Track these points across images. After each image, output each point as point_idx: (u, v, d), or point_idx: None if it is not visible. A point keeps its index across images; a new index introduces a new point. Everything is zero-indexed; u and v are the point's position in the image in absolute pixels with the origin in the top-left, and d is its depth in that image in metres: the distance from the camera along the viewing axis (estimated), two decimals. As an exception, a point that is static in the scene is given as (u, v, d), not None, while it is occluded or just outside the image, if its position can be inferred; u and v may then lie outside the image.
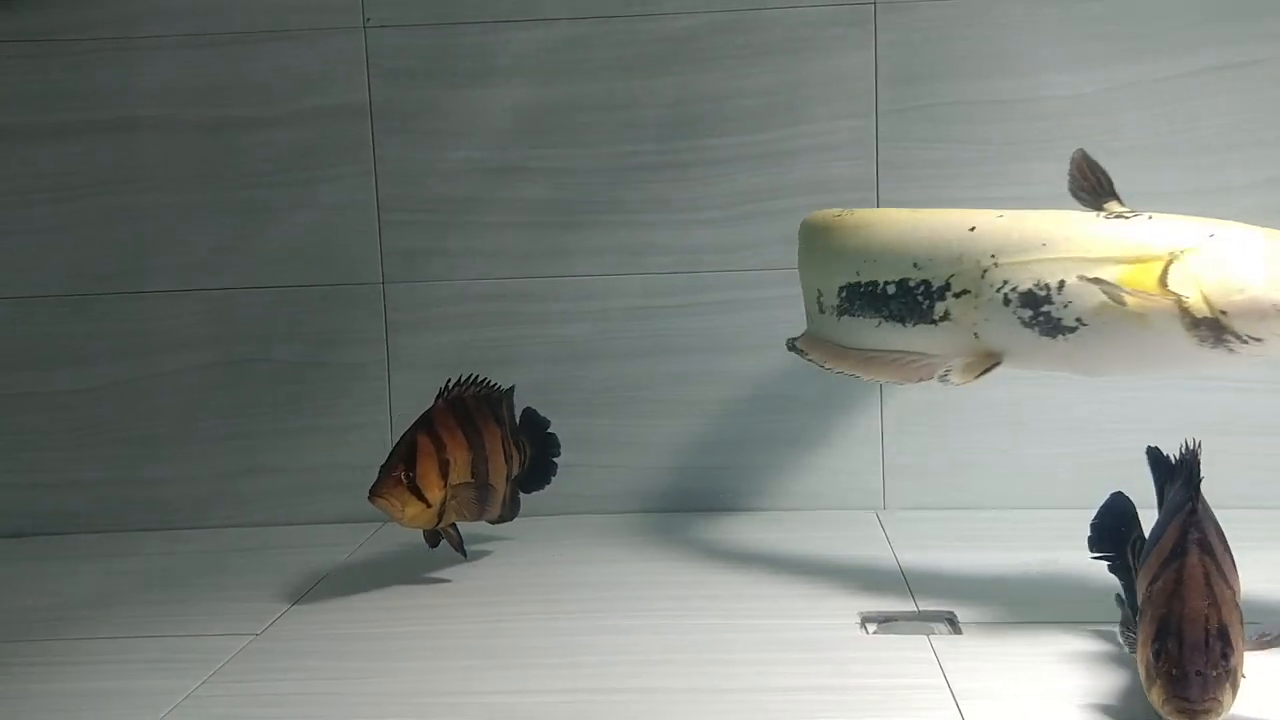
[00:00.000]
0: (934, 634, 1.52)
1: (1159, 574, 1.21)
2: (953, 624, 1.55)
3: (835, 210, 1.68)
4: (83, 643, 1.65)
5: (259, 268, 2.14)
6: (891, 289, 1.55)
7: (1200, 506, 1.27)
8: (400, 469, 1.73)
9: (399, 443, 1.78)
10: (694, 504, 2.11)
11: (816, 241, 1.70)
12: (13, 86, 2.13)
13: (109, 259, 2.15)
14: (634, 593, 1.75)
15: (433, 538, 1.83)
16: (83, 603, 1.81)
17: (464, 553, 1.84)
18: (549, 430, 1.97)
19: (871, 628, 1.56)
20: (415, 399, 2.04)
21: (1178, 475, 1.34)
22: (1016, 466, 2.04)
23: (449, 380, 1.85)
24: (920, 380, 1.57)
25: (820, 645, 1.50)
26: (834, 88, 2.05)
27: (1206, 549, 1.21)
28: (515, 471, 1.90)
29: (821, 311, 1.67)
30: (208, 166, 2.14)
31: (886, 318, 1.56)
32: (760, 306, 2.08)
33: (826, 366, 1.67)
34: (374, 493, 1.72)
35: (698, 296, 2.10)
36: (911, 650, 1.48)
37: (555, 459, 1.97)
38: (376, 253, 2.13)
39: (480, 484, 1.82)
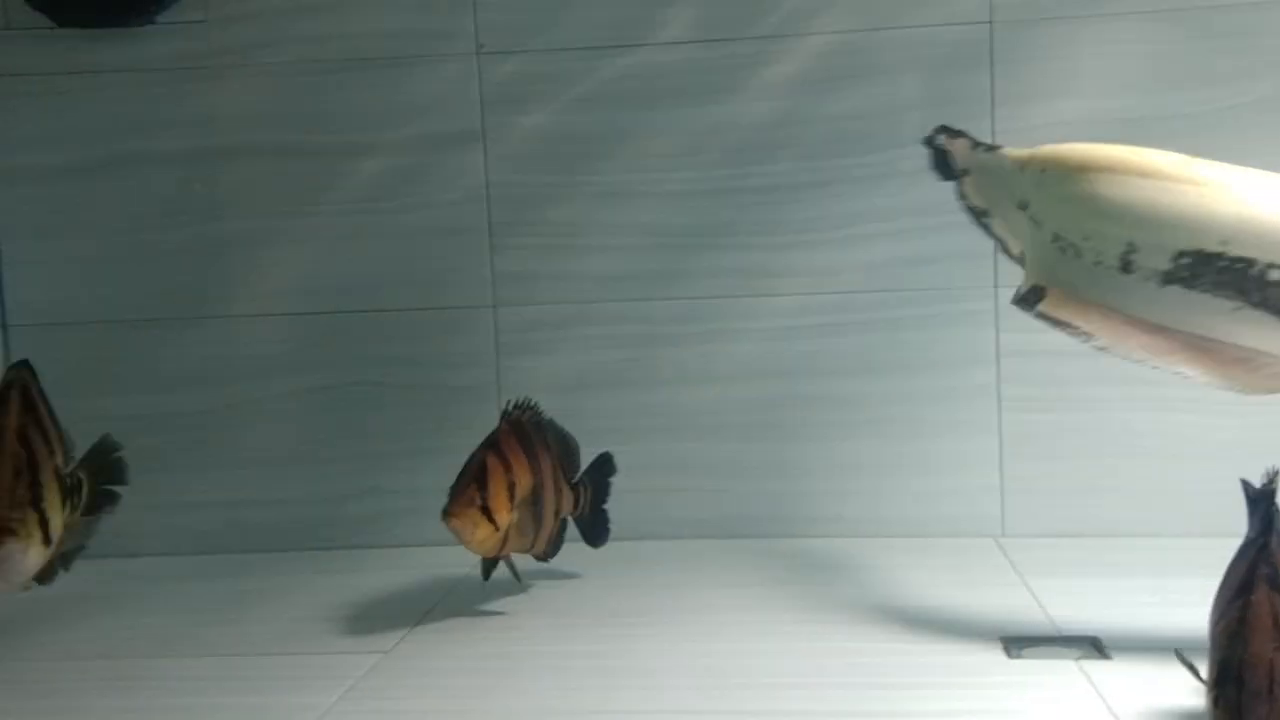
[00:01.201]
0: (1082, 659, 1.48)
1: (1225, 611, 1.14)
2: (1099, 649, 1.51)
3: (1184, 158, 1.38)
4: (216, 660, 1.64)
5: (371, 291, 2.15)
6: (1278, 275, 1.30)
7: (1275, 540, 1.19)
8: (473, 489, 1.68)
9: (469, 463, 1.74)
10: (798, 529, 2.09)
11: (1151, 187, 1.36)
12: (123, 114, 2.16)
13: (221, 282, 2.16)
14: (757, 616, 1.73)
15: (488, 567, 1.79)
16: (209, 621, 1.81)
17: (519, 578, 1.81)
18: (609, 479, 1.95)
19: (1015, 652, 1.52)
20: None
21: (1256, 508, 1.27)
22: (1146, 491, 2.00)
23: (509, 401, 1.83)
24: (1268, 390, 1.35)
25: (968, 670, 1.47)
26: (950, 108, 2.02)
27: (1277, 586, 1.12)
28: (564, 509, 1.87)
29: (1126, 270, 1.35)
30: (319, 191, 2.15)
31: (1257, 305, 1.31)
32: (874, 329, 2.06)
33: (1084, 331, 1.40)
34: (449, 513, 1.67)
35: (809, 319, 2.08)
36: (1062, 675, 1.44)
37: (605, 506, 1.95)
38: (488, 276, 2.12)
39: (536, 513, 1.79)
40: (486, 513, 1.66)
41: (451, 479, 2.06)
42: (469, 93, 2.11)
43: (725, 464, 2.10)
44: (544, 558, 1.83)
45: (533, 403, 1.85)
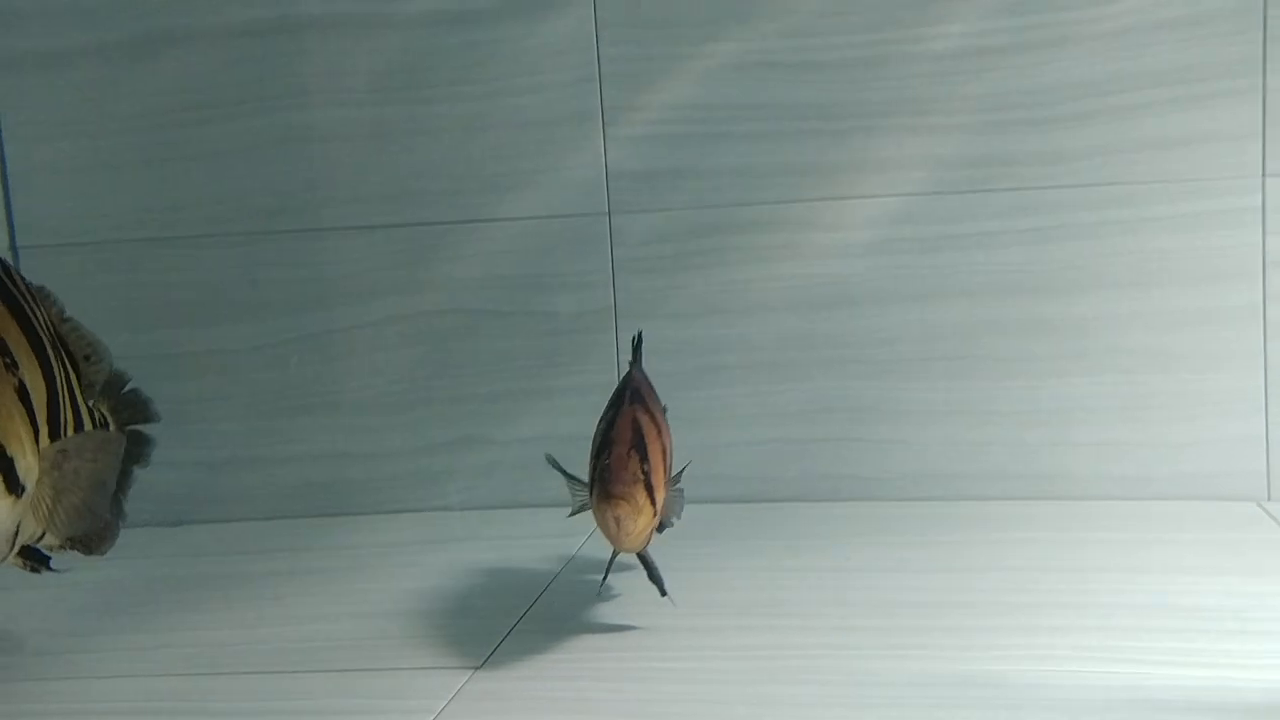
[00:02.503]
0: None
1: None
2: None
3: None
4: (281, 680, 1.28)
5: (457, 198, 1.76)
6: None
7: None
8: (636, 460, 1.24)
9: (616, 422, 1.29)
10: (995, 490, 1.66)
11: None
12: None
13: (278, 190, 1.79)
14: (1010, 598, 1.33)
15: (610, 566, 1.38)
16: (260, 624, 1.45)
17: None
18: None
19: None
20: (650, 356, 1.65)
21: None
22: None
23: (638, 334, 1.42)
24: None
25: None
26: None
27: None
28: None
29: None
30: (395, 75, 1.75)
31: None
32: (1097, 233, 1.61)
33: None
34: (612, 495, 1.21)
35: (1005, 222, 1.65)
36: None
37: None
38: (601, 175, 1.71)
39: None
40: (649, 491, 1.24)
41: (564, 427, 1.75)
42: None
43: (905, 410, 1.69)
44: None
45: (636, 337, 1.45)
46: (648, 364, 1.61)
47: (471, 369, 1.77)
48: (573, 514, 1.34)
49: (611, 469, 1.23)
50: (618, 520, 1.22)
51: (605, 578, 1.41)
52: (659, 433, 1.29)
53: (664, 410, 1.40)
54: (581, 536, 1.64)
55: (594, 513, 1.24)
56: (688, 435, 1.70)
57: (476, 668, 1.28)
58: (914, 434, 1.69)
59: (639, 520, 1.23)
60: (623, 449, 1.25)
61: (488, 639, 1.35)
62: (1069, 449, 1.64)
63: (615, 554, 1.36)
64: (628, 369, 1.41)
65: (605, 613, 1.41)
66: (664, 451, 1.30)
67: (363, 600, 1.49)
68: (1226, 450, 1.58)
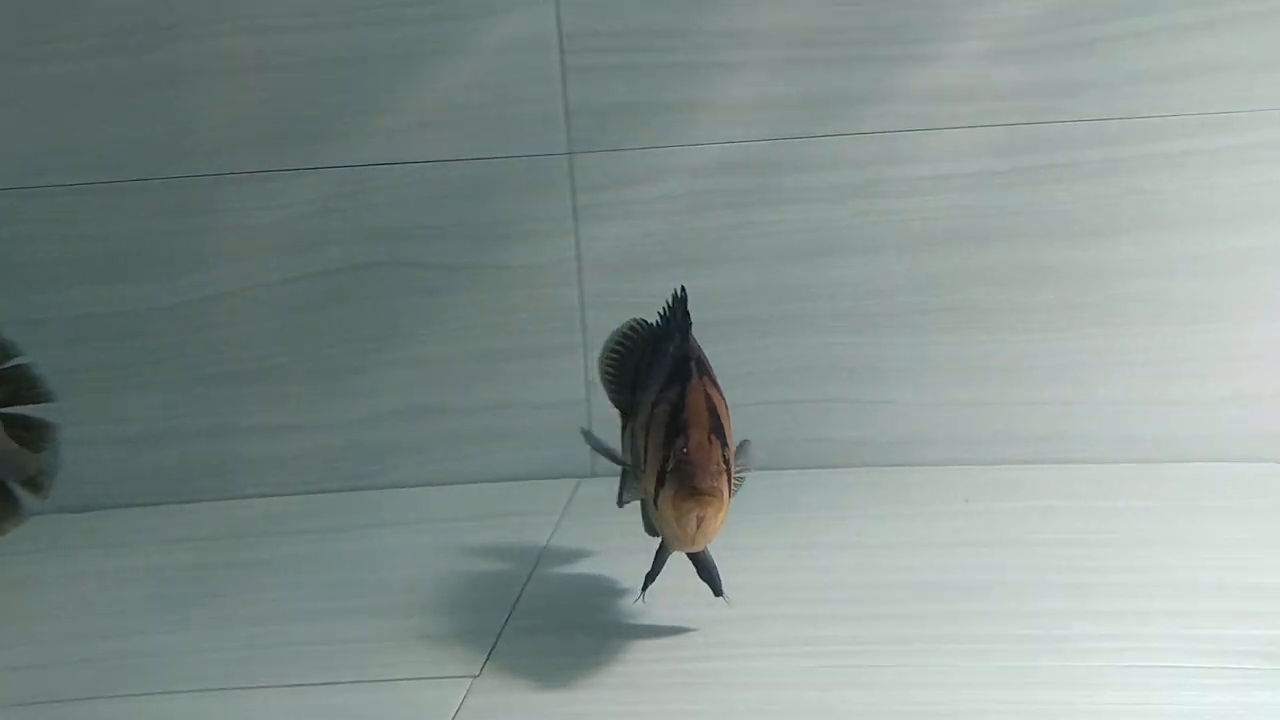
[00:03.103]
0: None
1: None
2: None
3: None
4: (236, 700, 1.10)
5: (395, 136, 1.57)
6: None
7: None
8: (719, 448, 1.06)
9: (688, 399, 1.09)
10: (994, 454, 1.55)
11: None
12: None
13: (190, 130, 1.57)
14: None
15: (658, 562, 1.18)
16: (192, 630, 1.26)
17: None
18: None
19: None
20: (615, 311, 1.48)
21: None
22: None
23: (679, 290, 1.21)
24: None
25: None
26: None
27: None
28: None
29: None
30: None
31: None
32: (1101, 172, 1.50)
33: None
34: (699, 488, 1.03)
35: (1006, 160, 1.51)
36: None
37: None
38: (560, 110, 1.54)
39: None
40: (728, 482, 1.07)
41: (524, 393, 1.57)
42: None
43: (895, 368, 1.56)
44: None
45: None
46: (604, 321, 1.45)
47: (416, 330, 1.59)
48: (623, 504, 1.18)
49: (694, 460, 1.04)
50: (701, 521, 1.05)
51: (648, 585, 1.18)
52: (728, 412, 1.12)
53: None
54: (553, 515, 1.48)
55: (662, 508, 1.06)
56: (658, 398, 1.57)
57: (475, 676, 1.12)
58: (905, 394, 1.56)
59: (720, 518, 1.06)
60: (702, 434, 1.06)
61: (477, 641, 1.19)
62: (1075, 408, 1.53)
63: (667, 554, 1.17)
64: (658, 328, 1.21)
65: (605, 604, 1.26)
66: (732, 434, 1.12)
67: (317, 597, 1.31)
68: (1249, 408, 1.49)
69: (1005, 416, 1.55)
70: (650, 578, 1.17)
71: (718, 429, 1.07)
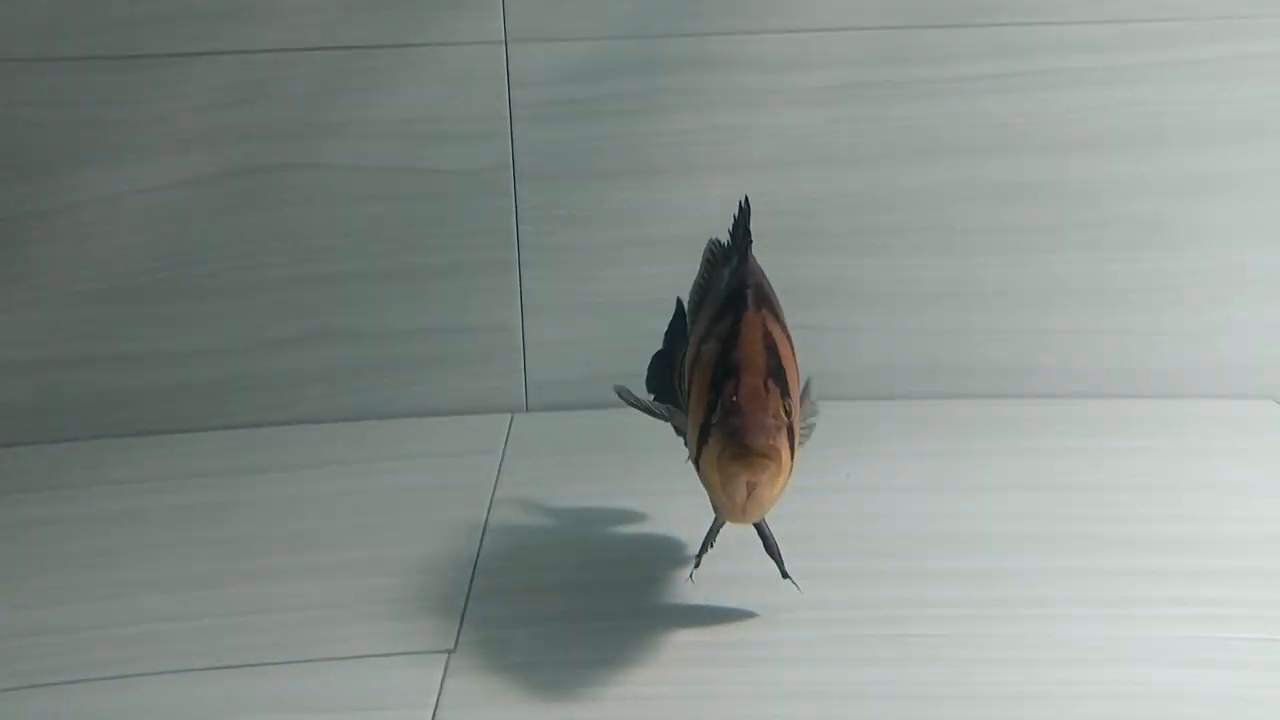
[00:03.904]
0: None
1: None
2: None
3: None
4: (177, 687, 0.92)
5: (302, 17, 1.36)
6: None
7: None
8: (778, 397, 0.87)
9: (742, 334, 0.90)
10: (970, 387, 1.43)
11: None
12: None
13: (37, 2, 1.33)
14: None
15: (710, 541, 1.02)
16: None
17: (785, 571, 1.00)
18: None
19: None
20: (554, 225, 1.40)
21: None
22: None
23: (743, 201, 1.02)
24: None
25: None
26: None
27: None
28: None
29: None
30: None
31: None
32: (1093, 80, 1.38)
33: None
34: (752, 447, 0.84)
35: (992, 65, 1.38)
36: None
37: None
38: (492, -7, 1.36)
39: None
40: (791, 438, 0.87)
41: (449, 319, 1.39)
42: None
43: (865, 291, 1.43)
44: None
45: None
46: (543, 237, 1.30)
47: (327, 241, 1.40)
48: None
49: (745, 410, 0.85)
50: (754, 487, 0.86)
51: (699, 561, 1.01)
52: (793, 352, 0.94)
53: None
54: (492, 456, 1.31)
55: (706, 471, 0.88)
56: (601, 323, 1.42)
57: (450, 651, 0.96)
58: (873, 320, 1.43)
59: (779, 483, 0.87)
60: (757, 378, 0.87)
61: (442, 609, 1.02)
62: (1056, 338, 1.42)
63: (719, 525, 1.00)
64: (716, 248, 1.03)
65: (577, 558, 1.11)
66: (797, 376, 0.94)
67: (230, 556, 1.12)
68: (1245, 341, 1.40)
69: (981, 346, 1.43)
70: (701, 553, 1.01)
71: (777, 373, 0.88)
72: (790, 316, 1.34)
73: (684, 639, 0.97)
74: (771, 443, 0.84)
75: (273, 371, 1.41)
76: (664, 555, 1.09)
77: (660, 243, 1.41)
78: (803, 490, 1.18)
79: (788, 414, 0.87)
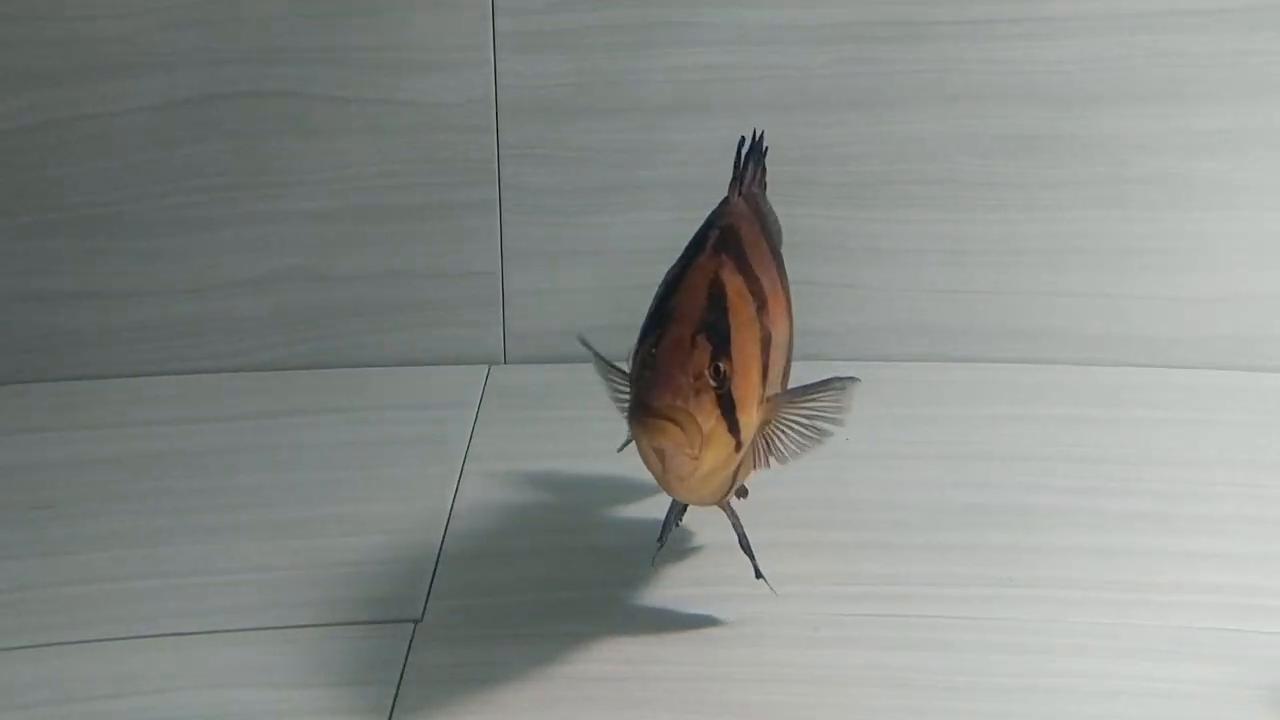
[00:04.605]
0: None
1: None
2: None
3: None
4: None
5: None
6: None
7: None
8: (706, 353, 0.77)
9: (682, 281, 0.82)
10: (971, 350, 1.34)
11: None
12: None
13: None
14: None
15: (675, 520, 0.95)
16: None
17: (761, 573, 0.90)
18: None
19: None
20: (538, 165, 1.30)
21: None
22: None
23: (756, 134, 0.95)
24: None
25: None
26: None
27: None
28: None
29: None
30: None
31: None
32: (1111, 29, 1.29)
33: None
34: (651, 406, 0.75)
35: (1005, 7, 1.30)
36: None
37: None
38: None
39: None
40: (727, 407, 0.77)
41: (420, 262, 1.31)
42: None
43: (863, 246, 1.34)
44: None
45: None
46: (526, 177, 1.21)
47: (292, 174, 1.31)
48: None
49: (659, 365, 0.76)
50: (661, 453, 0.77)
51: (662, 541, 0.94)
52: (759, 307, 0.83)
53: (782, 264, 0.92)
54: (466, 410, 1.23)
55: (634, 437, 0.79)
56: (586, 272, 1.33)
57: (417, 620, 0.89)
58: (872, 278, 1.35)
59: (707, 454, 0.76)
60: (685, 330, 0.77)
61: (410, 574, 0.95)
62: (1068, 301, 1.34)
63: (679, 503, 0.92)
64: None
65: (554, 523, 1.03)
66: (766, 341, 0.82)
67: (173, 511, 1.04)
68: (1272, 310, 1.33)
69: (986, 307, 1.36)
70: (663, 534, 0.93)
71: (714, 329, 0.78)
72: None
73: (671, 615, 0.90)
74: (678, 403, 0.74)
75: (233, 314, 1.32)
76: (648, 520, 1.01)
77: (652, 187, 1.32)
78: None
79: (723, 378, 0.76)
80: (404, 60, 1.30)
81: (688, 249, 0.86)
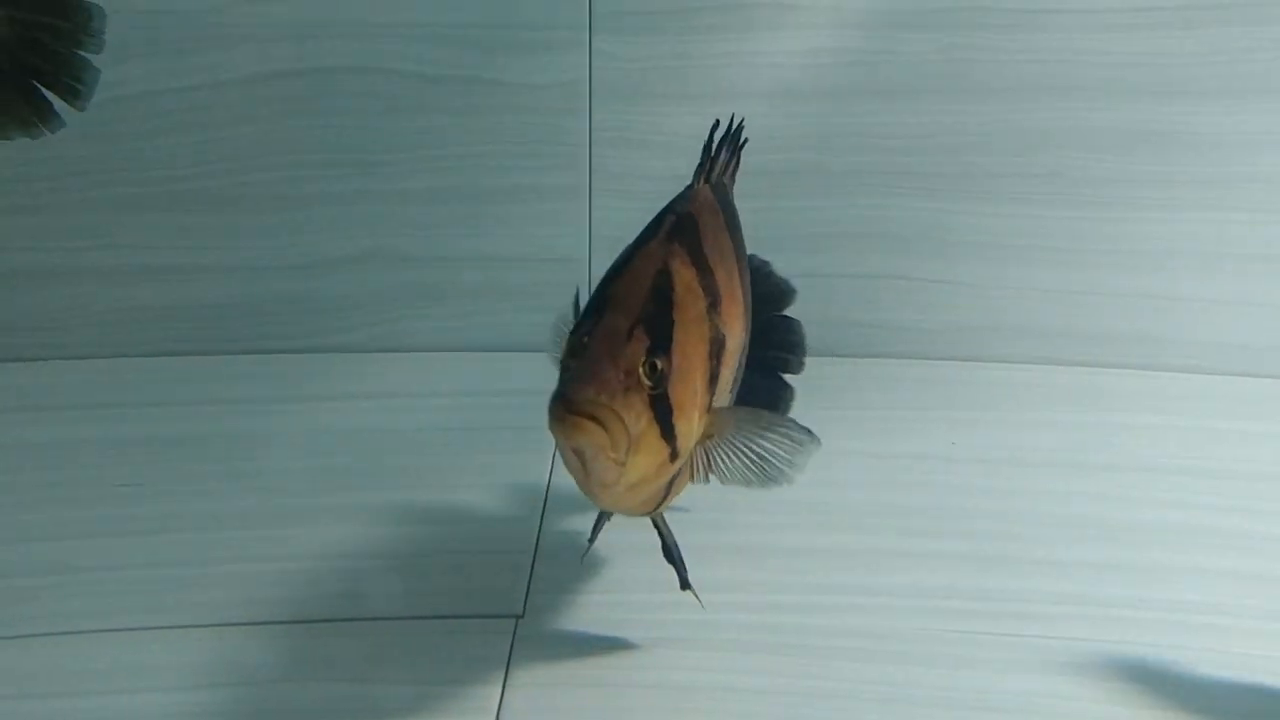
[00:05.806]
0: None
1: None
2: None
3: None
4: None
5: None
6: None
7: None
8: (641, 347, 0.71)
9: (623, 270, 0.76)
10: (1064, 353, 1.32)
11: None
12: None
13: None
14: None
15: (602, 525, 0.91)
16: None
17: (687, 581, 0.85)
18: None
19: None
20: (629, 150, 1.28)
21: None
22: None
23: (735, 123, 0.91)
24: None
25: None
26: None
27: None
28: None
29: None
30: None
31: None
32: (1223, 21, 1.26)
33: None
34: (572, 402, 0.68)
35: None
36: None
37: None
38: None
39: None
40: (664, 412, 0.70)
41: (509, 247, 1.29)
42: None
43: (963, 241, 1.31)
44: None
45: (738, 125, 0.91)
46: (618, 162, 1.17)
47: (383, 155, 1.29)
48: None
49: (588, 355, 0.69)
50: (580, 455, 0.70)
51: (593, 539, 0.89)
52: (711, 305, 0.75)
53: (744, 265, 0.85)
54: (556, 398, 1.21)
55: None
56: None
57: (519, 616, 0.86)
58: (972, 274, 1.32)
59: (634, 460, 0.69)
60: (620, 320, 0.71)
61: (503, 571, 0.92)
62: (1167, 305, 1.31)
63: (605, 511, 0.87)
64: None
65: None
66: (717, 343, 0.75)
67: (256, 491, 1.03)
68: None
69: (1088, 309, 1.32)
70: (594, 531, 0.90)
71: (654, 322, 0.71)
72: (870, 264, 1.22)
73: (768, 619, 0.87)
74: (602, 399, 0.67)
75: (315, 294, 1.31)
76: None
77: (744, 173, 1.29)
78: (855, 454, 1.08)
79: (660, 377, 0.69)
80: (497, 39, 1.28)
81: (640, 234, 0.79)
